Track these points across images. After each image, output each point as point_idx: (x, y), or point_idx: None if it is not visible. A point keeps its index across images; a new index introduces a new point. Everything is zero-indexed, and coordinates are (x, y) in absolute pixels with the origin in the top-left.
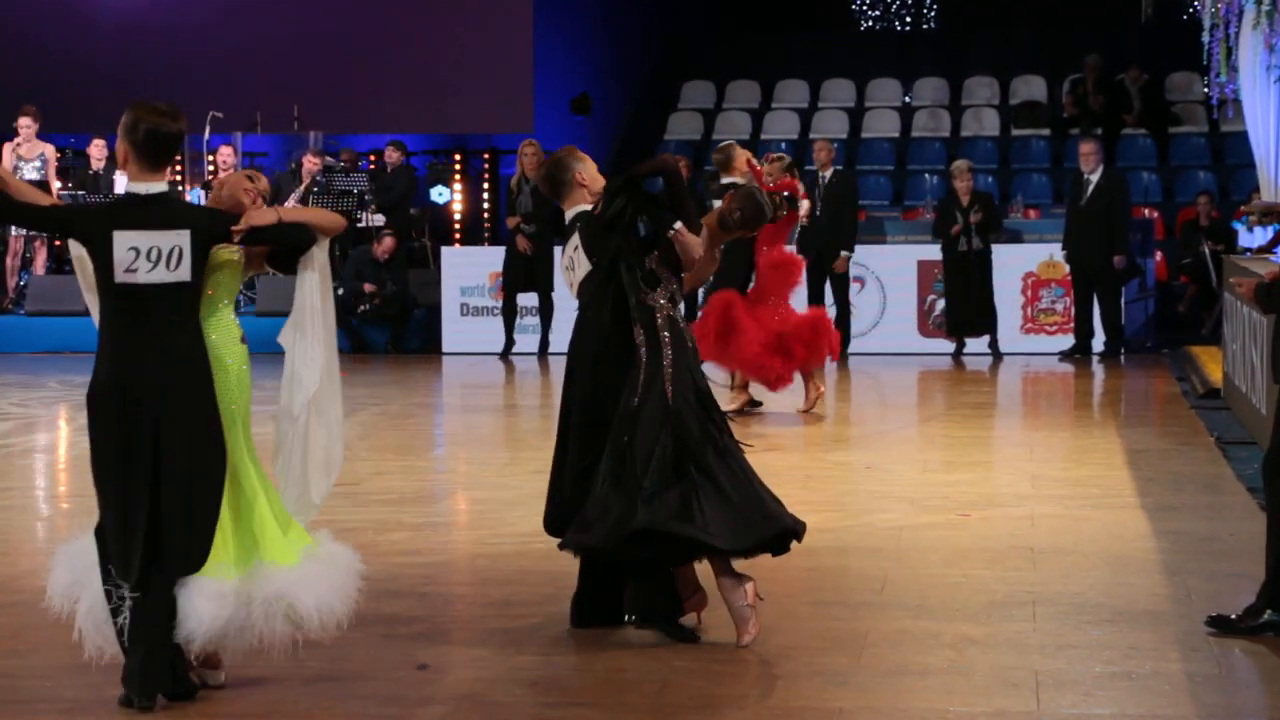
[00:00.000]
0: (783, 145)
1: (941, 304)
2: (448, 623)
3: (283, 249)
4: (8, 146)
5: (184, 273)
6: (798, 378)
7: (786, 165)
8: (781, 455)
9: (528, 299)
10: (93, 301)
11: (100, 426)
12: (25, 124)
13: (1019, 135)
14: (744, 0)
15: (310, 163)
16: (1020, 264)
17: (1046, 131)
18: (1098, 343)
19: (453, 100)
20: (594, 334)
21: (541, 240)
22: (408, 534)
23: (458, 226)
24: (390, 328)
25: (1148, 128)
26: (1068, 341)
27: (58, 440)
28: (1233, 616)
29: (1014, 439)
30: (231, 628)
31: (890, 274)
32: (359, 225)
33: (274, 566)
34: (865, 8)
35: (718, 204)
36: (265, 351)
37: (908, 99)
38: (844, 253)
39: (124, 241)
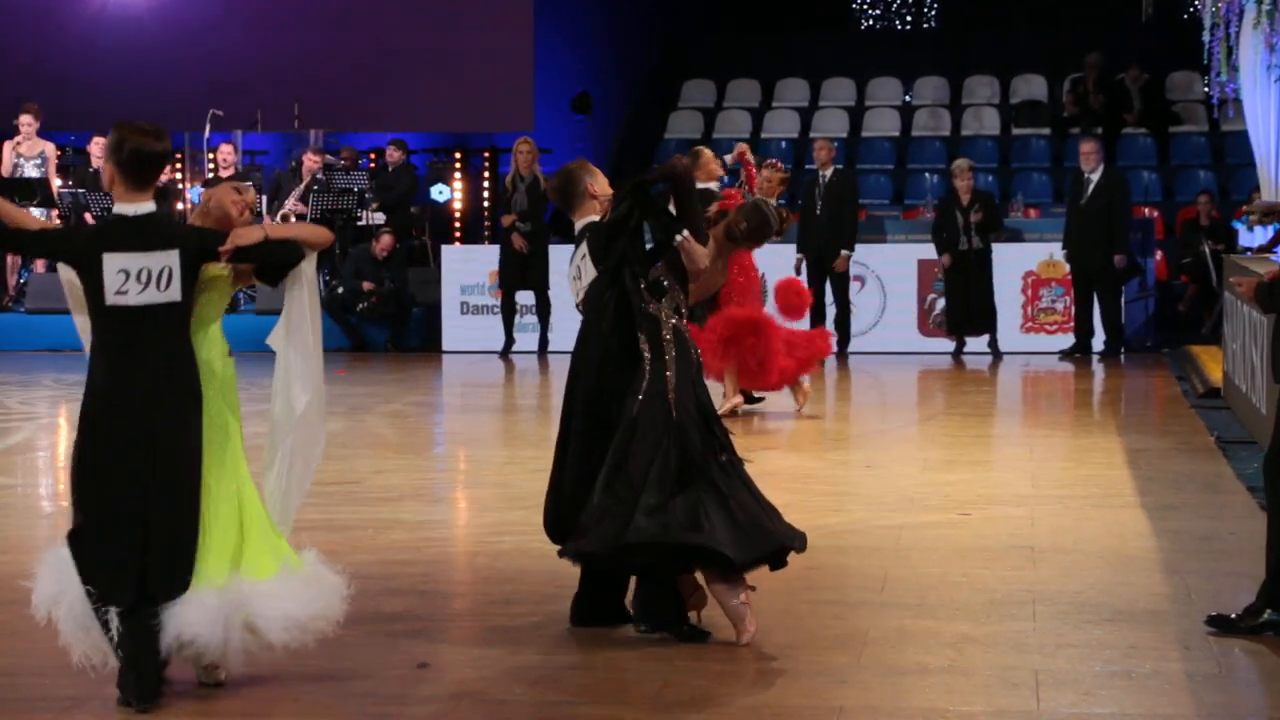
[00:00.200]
0: (783, 144)
1: (942, 303)
2: (447, 621)
3: (272, 265)
4: (8, 144)
5: (174, 293)
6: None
7: (781, 179)
8: (781, 454)
9: (527, 297)
10: (81, 323)
11: (93, 445)
12: (26, 121)
13: (1019, 134)
14: None
15: (310, 161)
16: (1020, 263)
17: (1047, 131)
18: (1098, 342)
19: (453, 99)
20: (598, 341)
21: (537, 238)
22: (407, 532)
23: (458, 225)
24: (389, 326)
25: (1148, 127)
26: (1068, 341)
27: (58, 438)
28: (1233, 616)
29: (1014, 438)
30: (213, 637)
31: (890, 273)
32: (359, 224)
33: (248, 580)
34: (865, 7)
35: None
36: (265, 350)
37: (908, 98)
38: (844, 252)
39: (114, 264)
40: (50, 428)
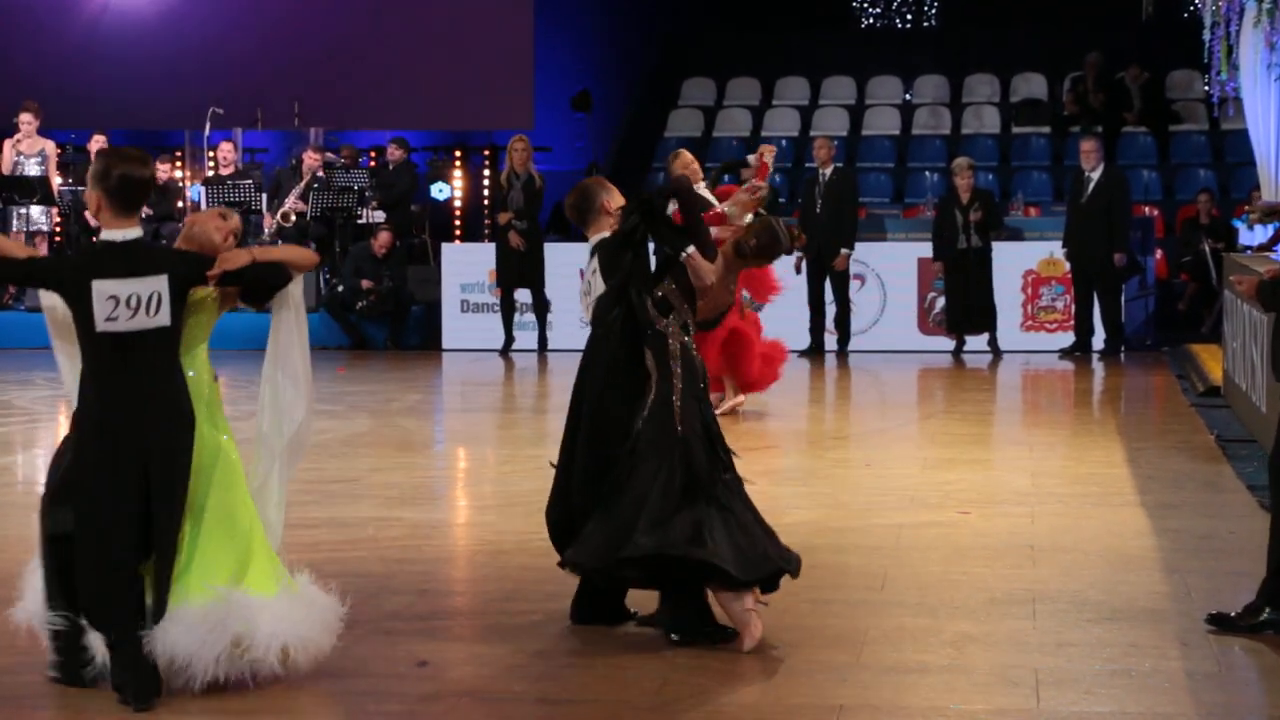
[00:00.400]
0: (783, 143)
1: (942, 302)
2: (447, 619)
3: (259, 288)
4: (8, 142)
5: (164, 317)
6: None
7: (757, 200)
8: (781, 454)
9: (526, 295)
10: (61, 349)
11: (90, 475)
12: (26, 119)
13: (1019, 133)
14: None
15: (311, 159)
16: (1020, 261)
17: (1047, 129)
18: (1098, 340)
19: (453, 97)
20: (604, 356)
21: (533, 236)
22: (407, 530)
23: (458, 223)
24: (388, 324)
25: (1148, 125)
26: (1068, 339)
27: (59, 436)
28: (1233, 614)
29: (1014, 437)
30: (208, 652)
31: (890, 271)
32: (359, 222)
33: (251, 595)
34: (866, 5)
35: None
36: (261, 348)
37: (908, 96)
38: (844, 250)
39: (103, 291)
40: (50, 426)
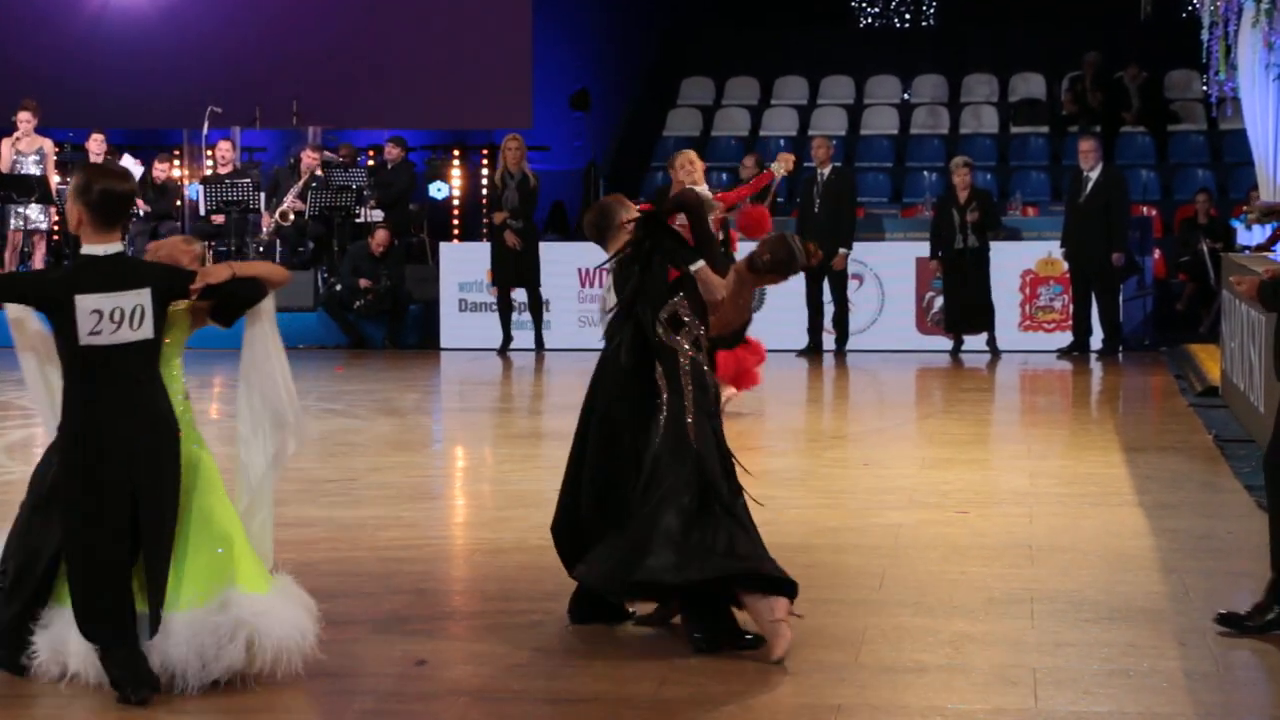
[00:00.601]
0: (781, 142)
1: (940, 301)
2: (445, 619)
3: (234, 303)
4: (6, 140)
5: (147, 330)
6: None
7: (720, 217)
8: (779, 453)
9: (523, 294)
10: (27, 362)
11: (79, 490)
12: (24, 118)
13: (1018, 133)
14: None
15: (309, 158)
16: (1019, 261)
17: (1045, 129)
18: (1096, 340)
19: (451, 96)
20: (615, 371)
21: (528, 235)
22: (405, 529)
23: (456, 222)
24: (386, 323)
25: (1146, 125)
26: (1066, 339)
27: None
28: (1242, 614)
29: (1012, 436)
30: (205, 655)
31: (889, 271)
32: (357, 221)
33: (246, 593)
34: (864, 5)
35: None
36: None
37: (907, 96)
38: (842, 250)
39: (86, 305)
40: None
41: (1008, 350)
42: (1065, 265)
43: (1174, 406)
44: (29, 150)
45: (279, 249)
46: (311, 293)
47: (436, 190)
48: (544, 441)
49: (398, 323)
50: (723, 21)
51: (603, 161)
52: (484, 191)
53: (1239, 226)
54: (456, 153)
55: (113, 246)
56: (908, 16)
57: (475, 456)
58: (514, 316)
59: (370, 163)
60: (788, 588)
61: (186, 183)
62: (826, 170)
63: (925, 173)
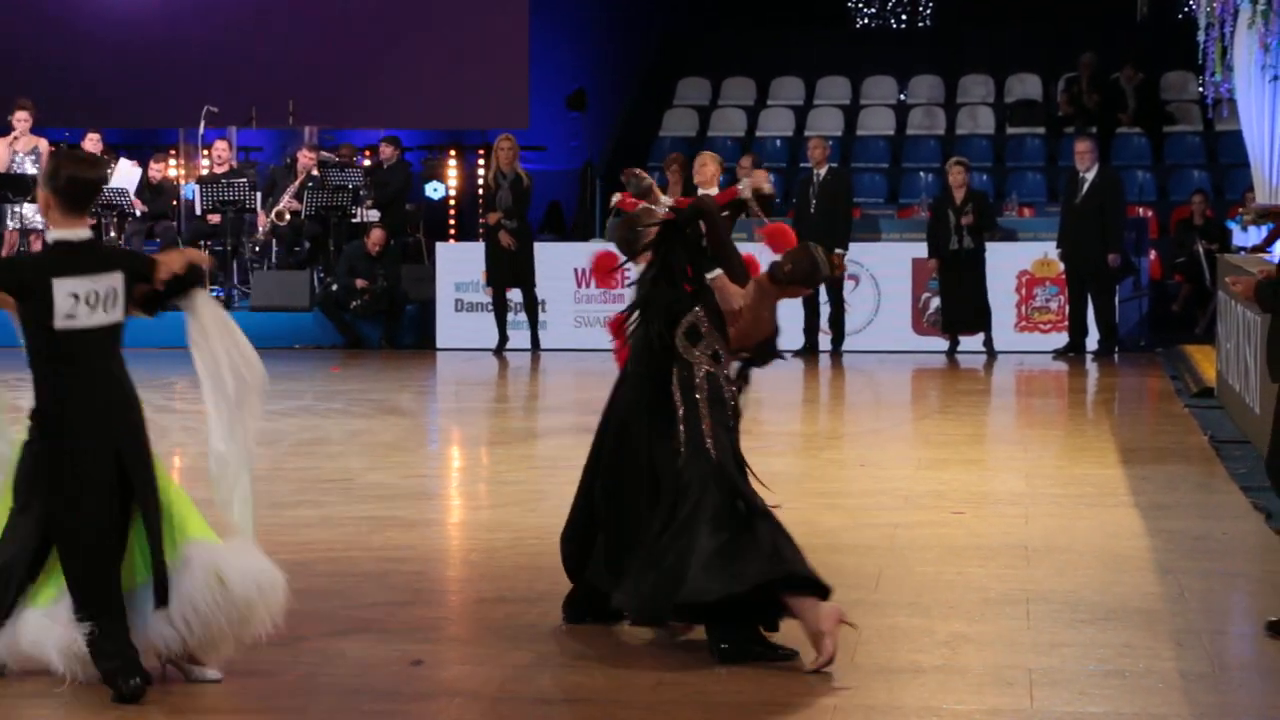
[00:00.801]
0: (778, 143)
1: (936, 302)
2: (442, 619)
3: (167, 293)
4: (3, 140)
5: (118, 312)
6: None
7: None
8: (776, 454)
9: (518, 294)
10: None
11: (67, 475)
12: (21, 118)
13: (1014, 133)
14: None
15: (305, 158)
16: (1015, 262)
17: (1041, 130)
18: (1092, 341)
19: (448, 95)
20: (634, 381)
21: (522, 235)
22: (401, 529)
23: (452, 222)
24: (383, 323)
25: (1143, 126)
26: (1062, 340)
27: None
28: None
29: (1008, 437)
30: (187, 612)
31: (885, 272)
32: (353, 220)
33: (199, 539)
34: (861, 5)
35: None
36: (258, 346)
37: (903, 97)
38: (838, 250)
39: (64, 289)
40: None
41: (1004, 351)
42: (1061, 266)
43: (1170, 408)
44: (25, 150)
45: (275, 248)
46: (307, 293)
47: (433, 190)
48: (540, 442)
49: (394, 323)
50: (719, 22)
51: (599, 162)
52: (480, 191)
53: (1235, 228)
54: (453, 153)
55: (83, 232)
56: (904, 17)
57: (471, 457)
58: (510, 316)
59: (367, 163)
60: (817, 590)
61: (183, 182)
62: (823, 171)
63: (921, 173)
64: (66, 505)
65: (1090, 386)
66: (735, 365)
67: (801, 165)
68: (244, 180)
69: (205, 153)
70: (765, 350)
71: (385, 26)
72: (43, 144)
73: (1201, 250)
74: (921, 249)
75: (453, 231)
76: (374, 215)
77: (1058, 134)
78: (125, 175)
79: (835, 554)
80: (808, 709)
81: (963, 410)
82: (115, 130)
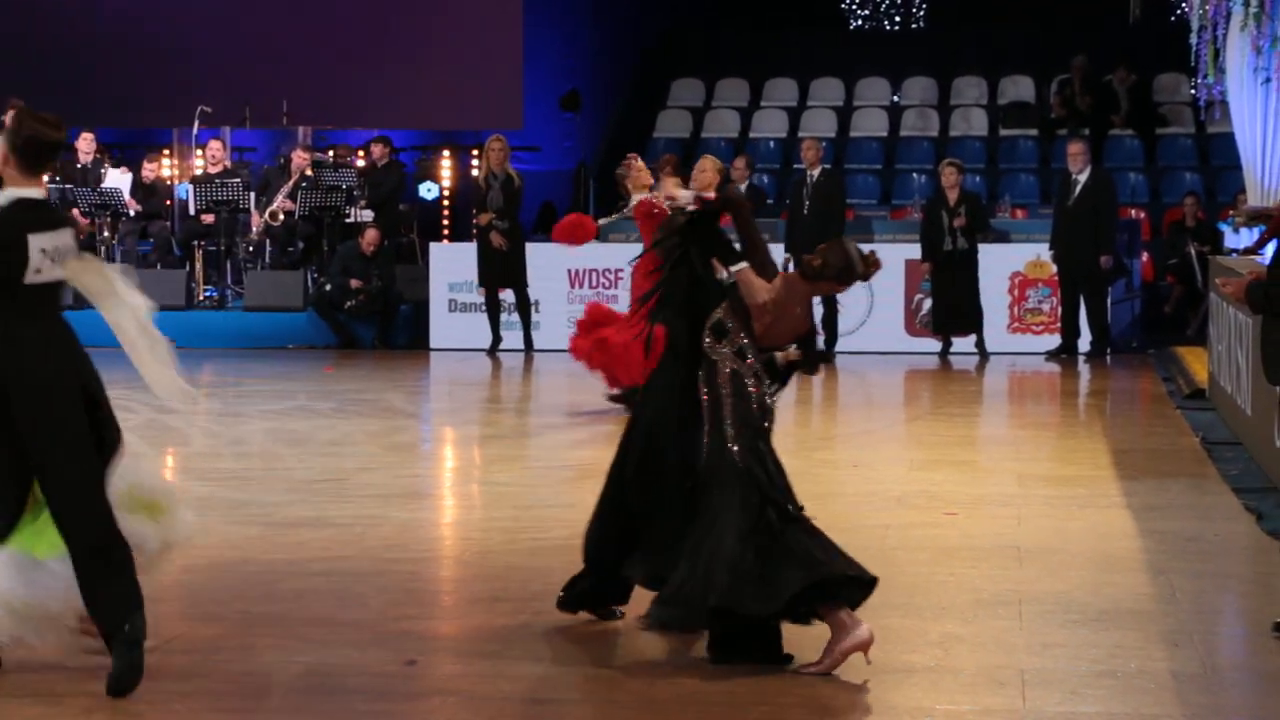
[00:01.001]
0: (771, 144)
1: (929, 303)
2: (435, 618)
3: None
4: None
5: (62, 269)
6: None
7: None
8: None
9: (511, 294)
10: None
11: (55, 415)
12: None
13: (1007, 135)
14: None
15: (299, 158)
16: (1007, 264)
17: (1034, 132)
18: (1084, 343)
19: (442, 96)
20: (660, 379)
21: (514, 236)
22: (395, 530)
23: (446, 222)
24: (377, 323)
25: (1135, 129)
26: (1054, 341)
27: None
28: None
29: (1000, 438)
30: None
31: (878, 273)
32: (347, 221)
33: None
34: (854, 7)
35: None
36: (252, 346)
37: (896, 98)
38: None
39: (36, 245)
40: None
41: (996, 352)
42: (1053, 268)
43: (1161, 409)
44: None
45: (269, 249)
46: (301, 293)
47: (426, 190)
48: (533, 442)
49: (388, 323)
50: (713, 23)
51: (593, 162)
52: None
53: (1226, 230)
54: (446, 153)
55: (39, 191)
56: (898, 19)
57: (464, 457)
58: (503, 317)
59: (361, 163)
60: (860, 588)
61: (176, 182)
62: (816, 172)
63: (914, 175)
64: (73, 448)
65: (1082, 388)
66: (765, 363)
67: (795, 166)
68: (238, 180)
69: (199, 153)
70: (810, 354)
71: (380, 27)
72: None
73: (1193, 252)
74: (914, 250)
75: (446, 232)
76: (368, 215)
77: (1050, 136)
78: (115, 180)
79: None
80: (800, 709)
81: (955, 411)
82: (109, 130)
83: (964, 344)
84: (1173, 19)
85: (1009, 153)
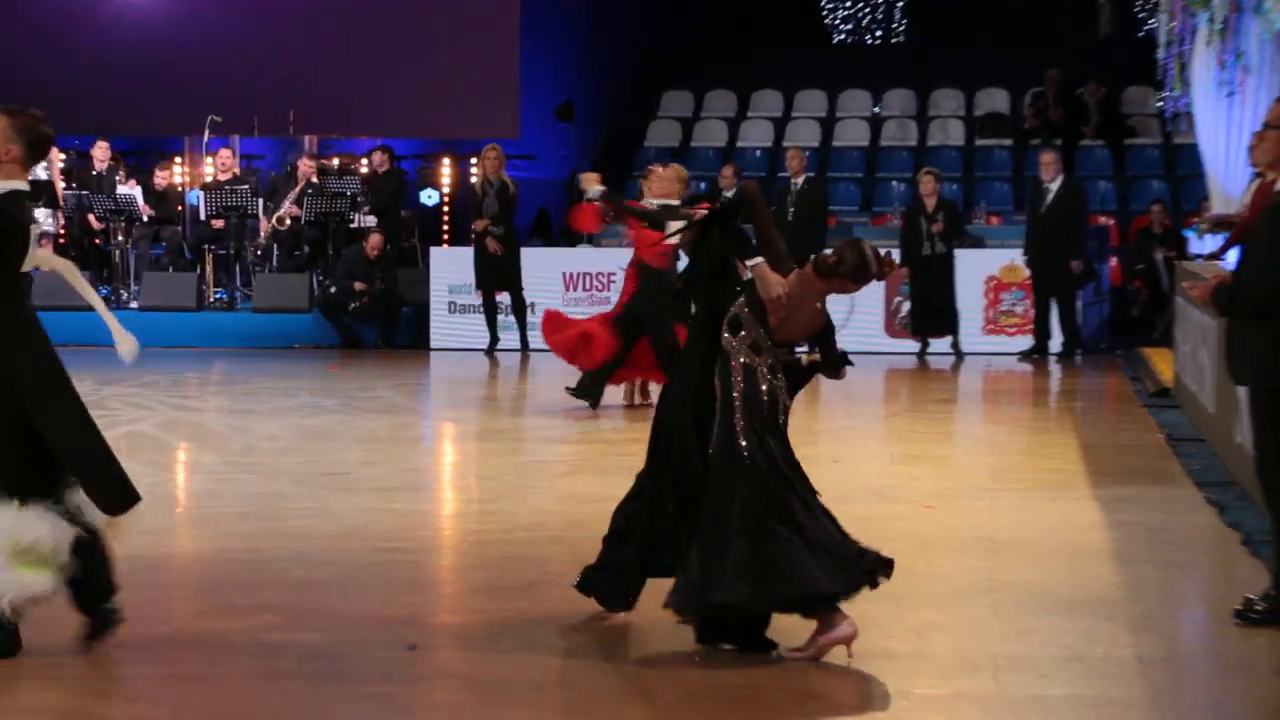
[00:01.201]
0: (757, 153)
1: (908, 305)
2: (436, 606)
3: None
4: None
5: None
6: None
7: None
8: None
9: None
10: None
11: (54, 380)
12: None
13: (982, 145)
14: (722, 14)
15: (305, 166)
16: (983, 268)
17: (1009, 142)
18: (1055, 344)
19: (443, 107)
20: (683, 369)
21: (509, 241)
22: (397, 521)
23: (446, 227)
24: (380, 324)
25: (1105, 139)
26: (1027, 342)
27: None
28: (1256, 606)
29: (975, 434)
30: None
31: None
32: (351, 226)
33: None
34: (837, 22)
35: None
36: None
37: (877, 110)
38: (814, 257)
39: (34, 233)
40: None
41: (971, 353)
42: (1027, 272)
43: (1129, 407)
44: None
45: (276, 252)
46: (307, 295)
47: (427, 197)
48: (528, 437)
49: (390, 324)
50: (702, 38)
51: (587, 170)
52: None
53: (1191, 236)
54: (446, 161)
55: (27, 183)
56: (879, 34)
57: (463, 452)
58: (500, 318)
59: (364, 170)
60: (870, 577)
61: (187, 189)
62: (800, 180)
63: (894, 183)
64: (72, 412)
65: (1054, 387)
66: (784, 364)
67: (780, 175)
68: (246, 187)
69: (210, 160)
70: (829, 356)
71: (383, 41)
72: (53, 151)
73: (1160, 257)
74: (894, 255)
75: (446, 236)
76: (371, 220)
77: (1024, 146)
78: (126, 192)
79: None
80: (782, 693)
81: (932, 409)
82: (123, 138)
83: (941, 344)
84: (1141, 35)
85: (984, 162)
